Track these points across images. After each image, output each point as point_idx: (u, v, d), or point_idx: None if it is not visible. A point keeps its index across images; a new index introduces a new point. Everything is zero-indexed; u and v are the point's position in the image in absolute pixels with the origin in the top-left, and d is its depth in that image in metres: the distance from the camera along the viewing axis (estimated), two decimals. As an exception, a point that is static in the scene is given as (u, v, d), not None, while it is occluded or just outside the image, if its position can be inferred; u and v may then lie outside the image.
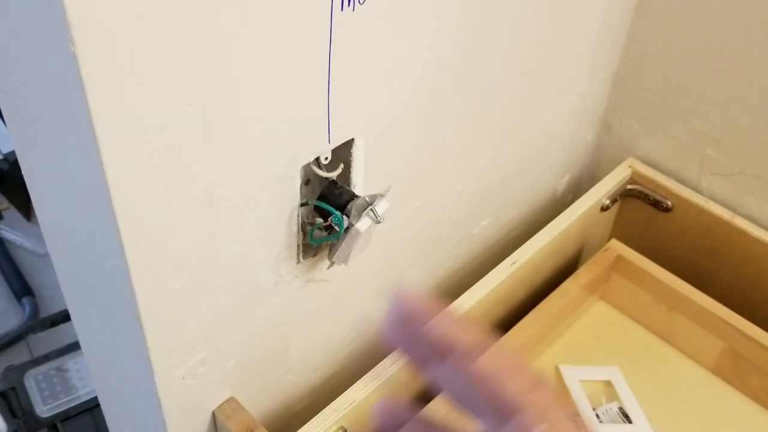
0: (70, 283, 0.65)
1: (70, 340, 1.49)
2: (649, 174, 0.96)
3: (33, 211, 1.93)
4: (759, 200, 0.90)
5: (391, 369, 0.72)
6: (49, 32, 0.40)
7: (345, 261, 0.63)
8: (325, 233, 0.62)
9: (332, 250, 0.62)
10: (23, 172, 0.58)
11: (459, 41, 0.67)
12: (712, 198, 0.94)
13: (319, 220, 0.62)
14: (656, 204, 0.96)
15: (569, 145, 0.98)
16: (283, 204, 0.59)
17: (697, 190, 0.95)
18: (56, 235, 0.60)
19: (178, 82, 0.45)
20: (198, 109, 0.47)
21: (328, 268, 0.65)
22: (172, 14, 0.42)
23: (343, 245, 0.61)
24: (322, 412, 0.68)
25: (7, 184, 1.80)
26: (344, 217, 0.60)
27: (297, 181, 0.59)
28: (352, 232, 0.60)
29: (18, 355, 1.62)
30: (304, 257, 0.64)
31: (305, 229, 0.63)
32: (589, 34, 0.86)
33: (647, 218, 0.98)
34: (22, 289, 1.76)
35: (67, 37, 0.39)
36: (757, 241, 0.90)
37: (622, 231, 1.01)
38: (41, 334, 1.59)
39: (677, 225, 0.96)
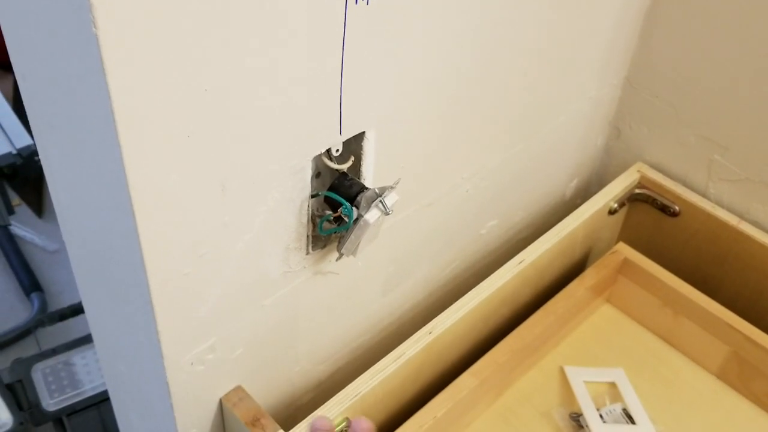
0: (83, 269, 0.66)
1: (78, 335, 1.50)
2: (657, 179, 0.97)
3: (44, 207, 1.95)
4: (766, 206, 0.91)
5: (396, 363, 0.73)
6: (71, 14, 0.41)
7: (353, 253, 0.63)
8: (334, 225, 0.63)
9: (341, 241, 0.63)
10: (41, 158, 0.59)
11: (475, 43, 0.68)
12: (720, 204, 0.94)
13: (329, 212, 0.63)
14: (664, 209, 0.97)
15: (579, 149, 0.99)
16: (294, 195, 0.60)
17: (704, 195, 0.95)
18: (71, 218, 0.61)
19: (196, 68, 0.46)
20: (214, 95, 0.48)
21: (337, 260, 0.66)
22: (189, 2, 0.43)
23: (352, 236, 0.62)
24: (326, 403, 0.69)
25: (20, 180, 1.82)
26: (353, 208, 0.61)
27: (308, 173, 0.60)
28: (361, 223, 0.60)
29: (26, 350, 1.63)
30: (313, 248, 0.65)
31: (315, 220, 0.63)
32: (600, 40, 0.87)
33: (654, 222, 0.99)
34: (31, 284, 1.78)
35: (89, 19, 0.40)
36: (763, 247, 0.90)
37: (629, 234, 1.02)
38: (50, 329, 1.61)
39: (684, 230, 0.96)
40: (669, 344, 0.93)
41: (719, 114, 0.91)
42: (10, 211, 1.81)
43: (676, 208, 0.96)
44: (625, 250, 0.94)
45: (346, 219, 0.61)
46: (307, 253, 0.65)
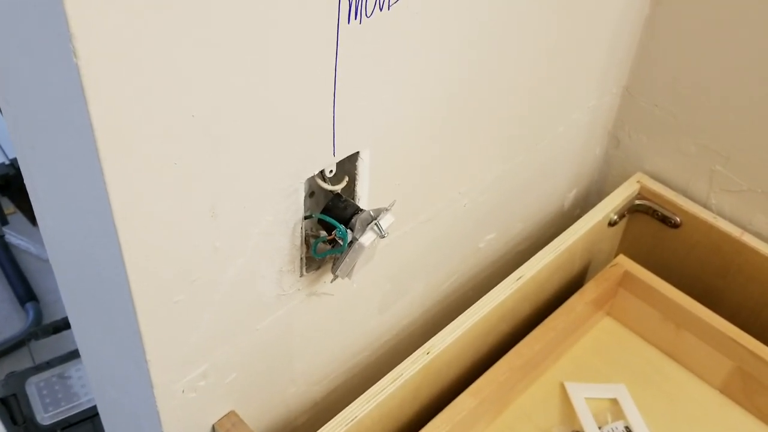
0: (70, 293, 0.65)
1: (72, 347, 1.49)
2: (657, 189, 0.95)
3: (38, 216, 1.94)
4: (769, 218, 0.89)
5: (393, 385, 0.71)
6: (53, 43, 0.39)
7: (348, 275, 0.62)
8: (328, 247, 0.61)
9: (336, 263, 0.62)
10: (25, 181, 0.58)
11: (469, 57, 0.66)
12: (721, 215, 0.93)
13: (323, 233, 0.61)
14: (664, 220, 0.95)
15: (578, 160, 0.98)
16: (287, 217, 0.59)
17: (706, 206, 0.94)
18: (57, 244, 0.60)
19: (181, 94, 0.44)
20: (201, 121, 0.47)
21: (332, 281, 0.64)
22: (175, 27, 0.42)
23: (347, 259, 0.60)
24: (324, 427, 0.67)
25: (13, 189, 1.80)
26: (348, 230, 0.59)
27: (301, 194, 0.58)
28: (355, 246, 0.59)
29: (20, 360, 1.61)
30: (307, 270, 0.64)
31: (309, 242, 0.62)
32: (599, 49, 0.85)
33: (655, 234, 0.97)
34: (26, 294, 1.76)
35: (70, 49, 0.38)
36: (766, 259, 0.88)
37: (629, 247, 1.00)
38: (43, 341, 1.59)
39: (686, 241, 0.95)
40: (671, 358, 0.91)
41: (720, 123, 0.89)
42: (4, 221, 1.80)
43: (677, 219, 0.94)
44: (625, 262, 0.92)
45: (340, 242, 0.59)
46: (301, 276, 0.64)
